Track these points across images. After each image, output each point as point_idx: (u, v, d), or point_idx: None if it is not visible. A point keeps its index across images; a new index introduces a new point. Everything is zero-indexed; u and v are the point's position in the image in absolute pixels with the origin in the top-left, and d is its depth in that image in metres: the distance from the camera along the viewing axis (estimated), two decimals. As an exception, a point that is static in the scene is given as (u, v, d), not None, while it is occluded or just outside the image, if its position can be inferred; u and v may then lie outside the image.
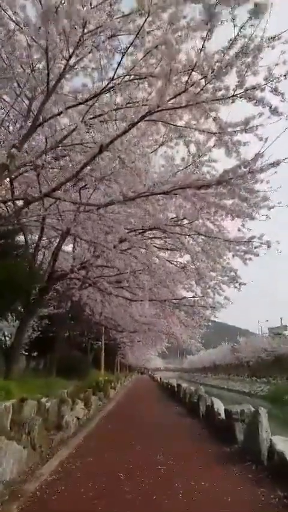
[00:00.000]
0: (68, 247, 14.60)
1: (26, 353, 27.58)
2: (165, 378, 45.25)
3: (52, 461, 6.57)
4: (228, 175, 6.40)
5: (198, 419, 12.61)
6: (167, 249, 11.20)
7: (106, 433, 10.11)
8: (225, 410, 9.34)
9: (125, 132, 6.53)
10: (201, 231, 9.32)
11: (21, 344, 12.75)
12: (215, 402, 10.84)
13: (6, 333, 23.24)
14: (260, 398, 42.09)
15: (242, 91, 5.91)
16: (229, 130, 6.43)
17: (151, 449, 8.08)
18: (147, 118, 6.56)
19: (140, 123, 7.22)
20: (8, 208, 8.56)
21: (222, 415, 9.97)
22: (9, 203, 8.45)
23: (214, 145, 7.24)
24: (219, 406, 10.74)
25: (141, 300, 11.28)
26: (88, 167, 7.22)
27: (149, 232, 10.63)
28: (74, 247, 13.34)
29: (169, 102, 6.36)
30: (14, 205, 8.60)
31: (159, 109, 6.29)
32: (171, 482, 5.68)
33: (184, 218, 9.43)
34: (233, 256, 10.31)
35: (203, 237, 9.73)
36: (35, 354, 27.86)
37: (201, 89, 5.87)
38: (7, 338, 24.04)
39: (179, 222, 9.51)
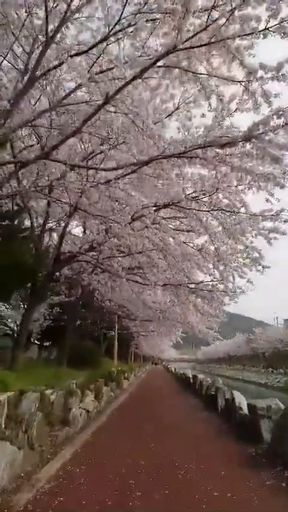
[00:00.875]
0: (77, 230, 13.74)
1: (38, 343, 27.09)
2: (180, 369, 44.51)
3: (53, 463, 5.73)
4: (258, 129, 5.36)
5: (216, 413, 11.70)
6: (183, 231, 10.22)
7: (117, 428, 9.27)
8: (249, 405, 8.39)
9: (134, 78, 5.54)
10: (221, 206, 8.29)
11: (27, 331, 11.95)
12: (236, 396, 9.89)
13: (17, 322, 22.70)
14: (277, 390, 41.02)
15: (277, 22, 4.87)
16: (259, 75, 5.38)
17: (167, 448, 7.21)
18: (161, 63, 5.56)
19: (153, 73, 6.26)
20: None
21: (245, 410, 9.03)
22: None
23: (240, 100, 6.20)
24: (241, 400, 9.79)
25: (155, 285, 10.33)
26: (93, 124, 6.26)
27: (164, 211, 9.66)
28: (84, 230, 12.46)
29: (188, 42, 5.36)
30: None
31: (176, 49, 5.30)
32: (191, 493, 4.77)
33: (202, 191, 8.44)
34: (255, 235, 9.30)
35: (223, 213, 8.71)
36: (48, 343, 27.37)
37: (227, 20, 4.83)
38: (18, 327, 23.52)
39: (196, 197, 8.52)
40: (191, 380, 20.88)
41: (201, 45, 5.28)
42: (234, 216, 8.45)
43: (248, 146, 5.67)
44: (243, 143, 5.69)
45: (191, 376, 22.22)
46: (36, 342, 26.33)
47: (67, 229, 11.37)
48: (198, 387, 17.46)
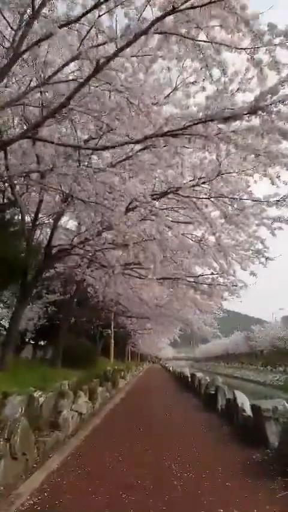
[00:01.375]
0: (70, 224, 13.13)
1: (33, 342, 26.45)
2: (177, 367, 43.98)
3: (37, 475, 5.13)
4: (265, 99, 4.78)
5: (216, 414, 11.14)
6: (182, 222, 9.66)
7: (111, 432, 8.68)
8: (253, 406, 7.82)
9: (128, 45, 4.96)
10: (223, 192, 7.72)
11: (17, 329, 11.35)
12: (237, 396, 9.33)
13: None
14: (276, 388, 40.56)
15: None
16: (266, 39, 4.81)
17: (164, 454, 6.63)
18: (156, 27, 4.98)
19: (148, 44, 5.69)
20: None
21: (248, 411, 8.46)
22: None
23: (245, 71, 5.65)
24: (243, 400, 9.23)
25: (151, 278, 9.75)
26: (84, 98, 5.67)
27: (161, 201, 9.10)
28: (79, 223, 11.83)
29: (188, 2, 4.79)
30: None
31: (175, 10, 4.72)
32: (192, 510, 4.20)
33: (202, 178, 7.88)
34: (258, 225, 8.75)
35: (224, 201, 8.15)
36: (43, 343, 26.72)
37: None
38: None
39: (196, 183, 7.96)
40: (189, 379, 20.33)
41: (203, 5, 4.70)
42: (236, 204, 7.89)
43: (254, 119, 5.10)
44: (248, 117, 5.11)
45: (189, 375, 21.67)
46: (31, 341, 25.72)
47: (59, 222, 10.80)
48: (197, 386, 16.90)
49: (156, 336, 33.41)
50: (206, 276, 10.00)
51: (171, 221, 9.21)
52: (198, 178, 7.83)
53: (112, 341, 25.90)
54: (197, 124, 5.32)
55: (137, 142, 5.62)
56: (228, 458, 6.39)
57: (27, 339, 25.17)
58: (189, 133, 5.60)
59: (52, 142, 5.80)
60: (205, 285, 10.10)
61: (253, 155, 6.38)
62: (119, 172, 7.56)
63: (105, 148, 5.90)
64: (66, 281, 18.37)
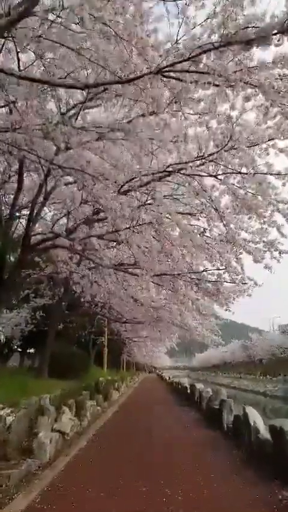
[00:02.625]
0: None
1: (20, 350, 24.83)
2: (174, 378, 42.34)
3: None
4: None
5: (222, 433, 9.66)
6: (183, 213, 8.29)
7: (99, 458, 7.16)
8: (272, 428, 6.36)
9: None
10: (234, 166, 6.35)
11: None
12: (249, 413, 7.86)
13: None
14: (277, 399, 38.98)
15: None
16: None
17: (162, 491, 5.15)
18: None
19: None
20: None
21: (264, 433, 7.01)
22: None
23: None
24: (256, 418, 7.77)
25: (146, 275, 8.31)
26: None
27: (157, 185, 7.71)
28: (68, 214, 10.40)
29: None
30: None
31: None
32: None
33: (210, 156, 6.51)
34: (272, 211, 7.34)
35: (234, 182, 6.77)
36: (32, 350, 25.10)
37: None
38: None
39: (202, 156, 6.59)
40: (189, 391, 18.80)
41: None
42: (249, 183, 6.50)
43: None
44: (279, 39, 3.74)
45: (188, 386, 20.13)
46: (18, 349, 24.15)
47: (42, 209, 9.36)
48: (197, 399, 15.39)
49: (153, 344, 31.85)
50: (210, 272, 8.58)
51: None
52: (208, 155, 6.44)
53: (105, 349, 24.34)
54: (206, 51, 3.94)
55: (128, 81, 4.24)
56: (245, 498, 4.92)
57: (14, 347, 23.65)
58: (195, 69, 4.23)
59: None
60: (209, 283, 8.68)
61: (276, 110, 5.05)
62: (111, 139, 6.22)
63: (86, 86, 4.48)
64: (56, 284, 16.93)
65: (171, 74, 4.49)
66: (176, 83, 4.59)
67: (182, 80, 4.49)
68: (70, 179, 8.19)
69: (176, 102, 5.51)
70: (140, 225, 6.50)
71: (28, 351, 24.10)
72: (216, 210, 7.13)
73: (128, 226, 6.50)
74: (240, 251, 7.75)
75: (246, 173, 6.27)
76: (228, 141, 5.77)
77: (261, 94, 4.44)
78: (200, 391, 14.79)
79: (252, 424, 7.50)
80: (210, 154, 6.27)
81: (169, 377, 42.58)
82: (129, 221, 6.61)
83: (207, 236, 8.31)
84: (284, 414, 26.02)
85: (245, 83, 4.38)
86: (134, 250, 7.31)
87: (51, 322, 15.18)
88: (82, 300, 13.95)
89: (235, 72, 4.20)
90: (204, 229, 8.31)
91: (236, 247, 7.72)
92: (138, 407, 16.64)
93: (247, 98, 4.71)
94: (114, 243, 9.93)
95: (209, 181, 7.06)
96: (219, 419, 10.35)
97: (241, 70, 4.19)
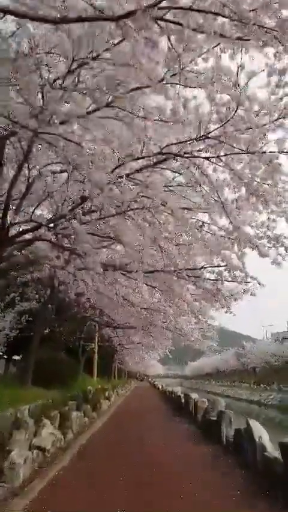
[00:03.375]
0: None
1: (6, 356, 23.72)
2: (167, 386, 41.28)
3: None
4: None
5: (221, 448, 8.77)
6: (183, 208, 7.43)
7: (81, 481, 6.20)
8: (284, 447, 5.47)
9: None
10: (239, 143, 5.51)
11: None
12: (253, 427, 6.97)
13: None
14: (272, 408, 38.07)
15: None
16: None
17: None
18: None
19: None
20: None
21: (272, 451, 6.13)
22: None
23: None
24: (261, 433, 6.89)
25: (137, 271, 7.43)
26: None
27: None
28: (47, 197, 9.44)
29: None
30: None
31: None
32: None
33: (205, 136, 5.67)
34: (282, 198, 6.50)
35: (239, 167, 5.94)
36: (18, 357, 24.00)
37: None
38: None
39: (202, 135, 5.76)
40: (182, 400, 17.84)
41: None
42: (257, 162, 5.67)
43: None
44: None
45: (181, 395, 19.16)
46: (4, 356, 23.07)
47: (26, 195, 8.42)
48: (192, 410, 14.45)
49: (145, 351, 30.81)
50: (209, 270, 7.71)
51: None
52: (210, 132, 5.61)
53: (96, 356, 23.31)
54: None
55: (119, 18, 3.39)
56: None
57: (-1, 353, 22.60)
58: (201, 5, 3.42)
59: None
60: (208, 281, 7.82)
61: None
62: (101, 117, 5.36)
63: (63, 21, 3.60)
64: (42, 285, 16.01)
65: (169, 18, 3.70)
66: (175, 30, 3.77)
67: (182, 25, 3.68)
68: (57, 168, 7.34)
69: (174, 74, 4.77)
70: (131, 209, 5.62)
71: (14, 357, 23.03)
72: (218, 199, 6.29)
73: (118, 212, 5.64)
74: (244, 246, 6.91)
75: (254, 153, 5.43)
76: (235, 112, 4.93)
77: (279, 39, 3.62)
78: (195, 401, 13.86)
79: (257, 440, 6.61)
80: (211, 131, 5.45)
81: (162, 386, 41.48)
82: (119, 207, 5.74)
83: (206, 231, 7.48)
84: (280, 424, 25.14)
85: (260, 26, 3.59)
86: (124, 240, 6.43)
87: (36, 326, 14.18)
88: (68, 300, 13.00)
89: (250, 11, 3.41)
90: (203, 222, 7.47)
91: (241, 242, 6.88)
92: (129, 418, 15.63)
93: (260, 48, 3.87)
94: (105, 243, 9.09)
95: (210, 168, 6.24)
96: (217, 433, 9.45)
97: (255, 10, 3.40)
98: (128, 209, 5.63)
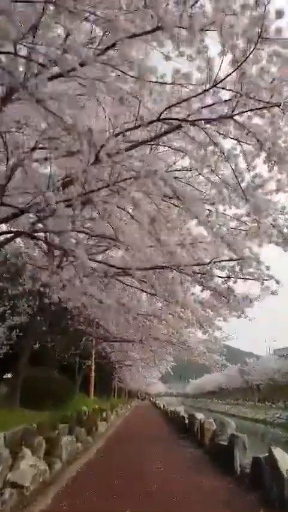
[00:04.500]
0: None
1: (-3, 375, 22.20)
2: (169, 405, 39.50)
3: None
4: None
5: (236, 480, 7.41)
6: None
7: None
8: None
9: None
10: (259, 91, 4.35)
11: None
12: (278, 457, 5.65)
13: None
14: (279, 427, 36.27)
15: None
16: None
17: None
18: None
19: None
20: None
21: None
22: None
23: None
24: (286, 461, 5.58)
25: (134, 269, 6.20)
26: None
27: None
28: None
29: None
30: None
31: None
32: None
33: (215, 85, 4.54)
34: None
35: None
36: (9, 375, 22.48)
37: None
38: None
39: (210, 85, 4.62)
40: (186, 421, 16.38)
41: None
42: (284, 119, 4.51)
43: None
44: None
45: (185, 416, 17.68)
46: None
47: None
48: (197, 431, 13.04)
49: (145, 369, 29.30)
50: (220, 265, 6.47)
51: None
52: (221, 80, 4.46)
53: (93, 374, 21.79)
54: None
55: None
56: None
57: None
58: None
59: None
60: (218, 279, 6.57)
61: None
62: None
63: None
64: (33, 296, 14.76)
65: None
66: None
67: None
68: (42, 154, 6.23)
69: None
70: (122, 181, 4.43)
71: (4, 376, 21.51)
72: (232, 174, 5.11)
73: (104, 185, 4.46)
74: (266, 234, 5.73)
75: (279, 105, 4.27)
76: (258, 40, 3.76)
77: None
78: (201, 422, 12.44)
79: (285, 475, 5.29)
80: (223, 79, 4.31)
81: (163, 405, 39.67)
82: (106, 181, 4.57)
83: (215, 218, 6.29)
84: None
85: None
86: (113, 223, 5.22)
87: (25, 340, 12.88)
88: (59, 311, 11.75)
89: None
90: (210, 210, 6.28)
91: (261, 230, 5.71)
92: (128, 442, 14.12)
93: None
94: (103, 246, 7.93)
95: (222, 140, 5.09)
96: (229, 460, 8.11)
97: None
98: (118, 180, 4.42)
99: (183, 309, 8.68)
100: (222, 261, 6.32)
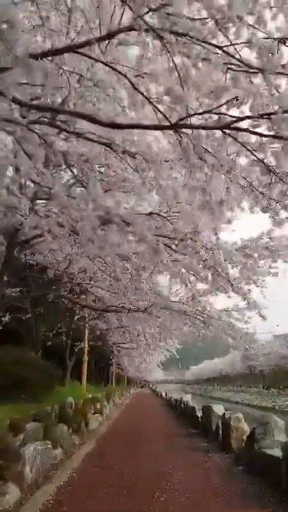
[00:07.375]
0: None
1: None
2: (171, 393, 36.68)
3: None
4: None
5: (270, 487, 4.33)
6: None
7: None
8: None
9: None
10: None
11: None
12: None
13: None
14: (290, 415, 33.47)
15: None
16: None
17: None
18: None
19: None
20: None
21: None
22: None
23: None
24: None
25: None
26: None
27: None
28: None
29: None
30: None
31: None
32: None
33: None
34: None
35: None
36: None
37: None
38: None
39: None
40: (198, 413, 13.37)
41: None
42: None
43: None
44: None
45: (195, 407, 14.68)
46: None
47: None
48: (217, 430, 10.00)
49: (146, 353, 26.17)
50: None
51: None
52: None
53: (85, 358, 18.66)
54: None
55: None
56: None
57: None
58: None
59: None
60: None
61: None
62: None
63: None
64: None
65: None
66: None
67: None
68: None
69: None
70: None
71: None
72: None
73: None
74: None
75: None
76: None
77: None
78: (224, 420, 9.28)
79: None
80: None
81: (165, 393, 36.79)
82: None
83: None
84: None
85: None
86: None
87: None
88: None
89: None
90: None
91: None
92: (128, 443, 10.90)
93: None
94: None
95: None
96: (282, 480, 5.02)
97: None
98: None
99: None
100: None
